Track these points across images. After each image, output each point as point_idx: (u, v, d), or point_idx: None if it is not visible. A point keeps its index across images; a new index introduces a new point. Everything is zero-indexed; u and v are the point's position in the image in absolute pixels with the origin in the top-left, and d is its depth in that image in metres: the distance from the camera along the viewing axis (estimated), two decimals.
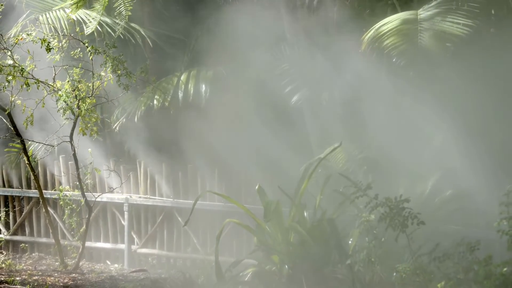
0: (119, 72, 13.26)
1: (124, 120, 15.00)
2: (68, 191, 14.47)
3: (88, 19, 13.98)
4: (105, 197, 14.43)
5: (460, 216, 12.02)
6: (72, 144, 13.56)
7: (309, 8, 14.38)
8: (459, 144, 12.85)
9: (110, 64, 13.20)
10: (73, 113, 13.29)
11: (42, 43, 13.00)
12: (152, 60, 15.32)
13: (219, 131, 15.38)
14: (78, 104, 13.15)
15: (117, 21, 14.16)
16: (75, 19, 13.89)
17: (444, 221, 11.85)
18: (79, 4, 13.61)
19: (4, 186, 15.16)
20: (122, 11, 13.95)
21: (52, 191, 14.67)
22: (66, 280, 13.32)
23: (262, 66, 14.59)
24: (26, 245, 15.11)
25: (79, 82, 13.20)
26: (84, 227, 14.18)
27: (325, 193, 12.35)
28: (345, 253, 11.34)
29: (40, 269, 14.05)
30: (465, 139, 12.80)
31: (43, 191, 14.21)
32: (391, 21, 12.31)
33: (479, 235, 11.16)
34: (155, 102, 14.77)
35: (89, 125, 13.26)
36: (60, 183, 14.72)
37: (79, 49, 13.36)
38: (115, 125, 15.25)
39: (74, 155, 13.65)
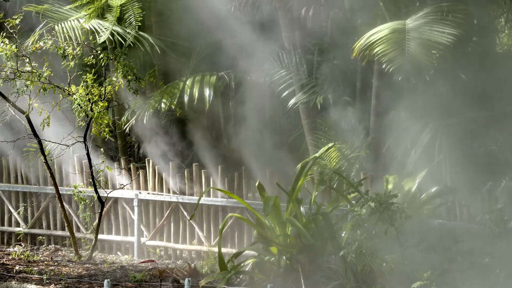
0: (129, 77, 13.21)
1: (133, 121, 14.92)
2: (82, 187, 14.29)
3: (101, 29, 13.83)
4: (116, 193, 14.30)
5: (445, 210, 11.98)
6: (86, 144, 13.47)
7: (305, 18, 14.31)
8: (444, 143, 12.84)
9: (121, 70, 13.13)
10: (87, 116, 13.20)
11: (57, 50, 12.96)
12: (159, 66, 15.22)
13: (222, 133, 15.40)
14: (91, 107, 13.06)
15: (127, 30, 14.05)
16: (88, 28, 13.76)
17: (430, 215, 11.81)
18: (92, 15, 13.56)
19: (22, 183, 15.01)
20: (132, 21, 13.93)
21: (67, 188, 14.51)
22: (80, 270, 13.32)
23: (262, 72, 14.60)
24: (43, 237, 14.97)
25: (92, 86, 13.10)
26: (96, 221, 14.10)
27: (319, 189, 12.42)
28: (339, 244, 11.34)
29: (56, 260, 13.97)
30: (450, 138, 12.79)
31: (59, 187, 14.13)
32: (381, 30, 12.21)
33: (462, 228, 11.20)
34: (162, 105, 14.71)
35: (101, 126, 13.18)
36: (74, 180, 14.57)
37: (92, 56, 13.28)
38: (126, 126, 15.19)
39: (88, 154, 13.56)
